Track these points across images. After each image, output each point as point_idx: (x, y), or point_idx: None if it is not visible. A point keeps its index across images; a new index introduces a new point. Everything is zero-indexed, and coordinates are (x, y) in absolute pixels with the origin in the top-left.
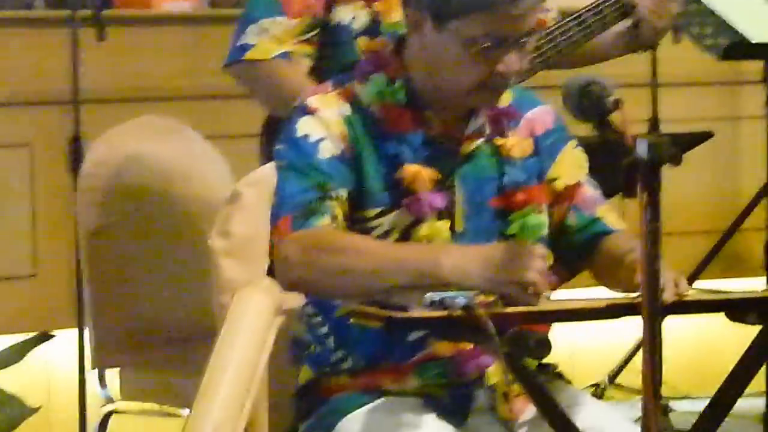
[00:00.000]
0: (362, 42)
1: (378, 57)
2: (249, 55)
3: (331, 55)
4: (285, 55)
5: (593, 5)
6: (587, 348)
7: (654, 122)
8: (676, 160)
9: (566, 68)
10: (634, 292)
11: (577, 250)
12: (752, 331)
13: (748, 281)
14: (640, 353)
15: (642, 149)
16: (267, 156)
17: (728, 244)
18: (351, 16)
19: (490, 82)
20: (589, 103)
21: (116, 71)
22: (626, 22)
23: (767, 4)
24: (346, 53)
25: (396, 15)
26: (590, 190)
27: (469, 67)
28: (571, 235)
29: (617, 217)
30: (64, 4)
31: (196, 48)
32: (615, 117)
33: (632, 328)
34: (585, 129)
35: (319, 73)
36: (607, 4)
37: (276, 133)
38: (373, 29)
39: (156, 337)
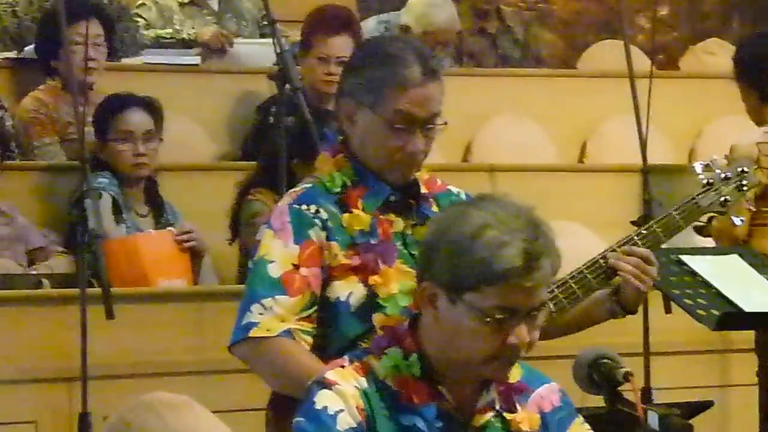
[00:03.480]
0: (378, 318)
1: (393, 332)
2: (254, 332)
3: (331, 330)
4: (288, 333)
5: (576, 271)
6: None
7: (647, 391)
8: (687, 431)
9: (556, 336)
10: None
11: None
12: None
13: None
14: None
15: (653, 421)
16: (273, 430)
17: None
18: (348, 292)
19: (503, 353)
20: (600, 377)
21: (123, 348)
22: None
23: (759, 276)
24: (345, 328)
25: (393, 287)
26: None
27: (483, 339)
28: None
29: None
30: (71, 284)
31: (200, 324)
32: (625, 389)
33: None
34: (595, 400)
35: (320, 348)
36: (589, 269)
37: (281, 408)
38: (369, 303)
39: None
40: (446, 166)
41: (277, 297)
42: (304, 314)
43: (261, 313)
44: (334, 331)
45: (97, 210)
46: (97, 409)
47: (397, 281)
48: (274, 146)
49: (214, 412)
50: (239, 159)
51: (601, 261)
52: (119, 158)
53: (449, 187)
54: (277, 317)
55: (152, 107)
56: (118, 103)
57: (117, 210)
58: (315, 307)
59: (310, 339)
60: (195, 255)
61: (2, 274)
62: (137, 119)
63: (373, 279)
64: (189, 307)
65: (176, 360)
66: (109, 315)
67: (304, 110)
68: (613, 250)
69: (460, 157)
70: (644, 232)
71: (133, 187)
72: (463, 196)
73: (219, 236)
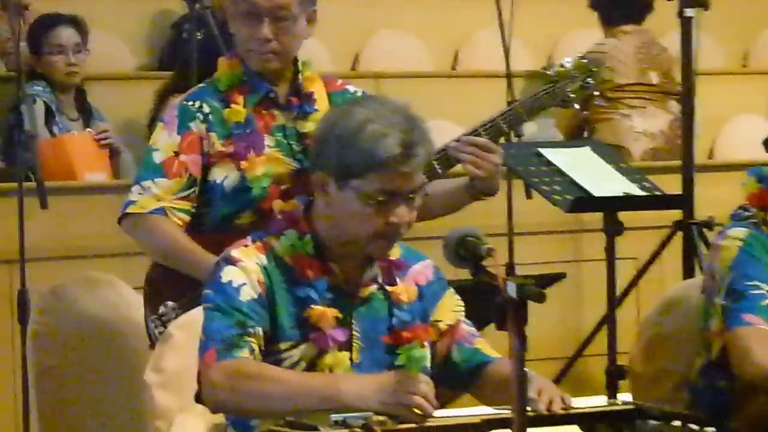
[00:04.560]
0: (277, 204)
1: (290, 215)
2: (130, 209)
3: (208, 209)
4: (161, 210)
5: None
6: None
7: (510, 267)
8: (541, 298)
9: (429, 219)
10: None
11: (463, 377)
12: None
13: (592, 399)
14: None
15: (511, 290)
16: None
17: (573, 367)
18: (224, 176)
19: (385, 232)
20: (466, 253)
21: (55, 233)
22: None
23: (607, 165)
24: (219, 207)
25: (258, 170)
26: (467, 327)
27: (367, 219)
28: (457, 366)
29: (491, 347)
30: (9, 179)
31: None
32: (488, 264)
33: None
34: (463, 273)
35: (198, 225)
36: (435, 158)
37: (155, 283)
38: (241, 185)
39: None
40: (337, 74)
41: (156, 180)
42: (182, 194)
43: (140, 193)
44: (211, 210)
45: (32, 114)
46: (33, 287)
47: (264, 166)
48: (187, 58)
49: (134, 288)
50: (157, 69)
51: (444, 151)
52: (54, 68)
53: (348, 86)
54: (153, 197)
55: (79, 24)
56: (50, 21)
57: (50, 114)
58: (193, 189)
59: (185, 216)
60: (113, 152)
61: None
62: (67, 34)
63: (243, 164)
64: (111, 198)
65: (101, 244)
66: (43, 205)
67: (212, 27)
68: (458, 141)
69: (349, 66)
70: (488, 124)
71: (64, 94)
72: (360, 94)
73: (140, 136)
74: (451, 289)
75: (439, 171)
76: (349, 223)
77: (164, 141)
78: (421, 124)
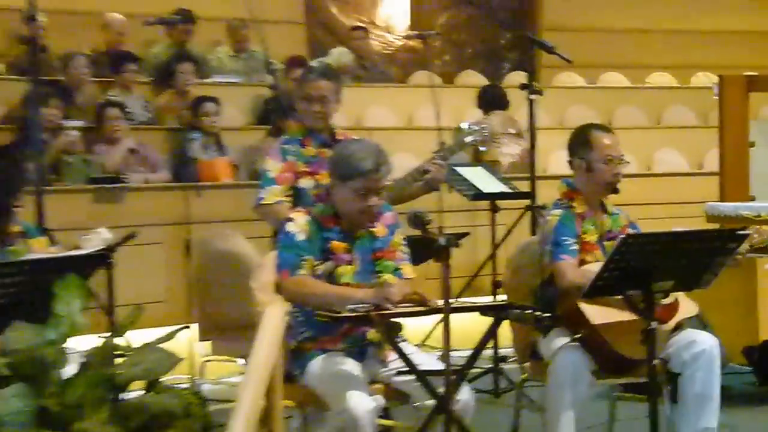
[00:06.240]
0: (312, 191)
1: (319, 196)
2: (262, 202)
3: (298, 201)
4: (280, 203)
5: (409, 172)
6: (418, 327)
7: (441, 228)
8: (456, 245)
9: (399, 203)
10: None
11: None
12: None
13: (485, 298)
14: (439, 328)
15: (442, 240)
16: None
17: (474, 281)
18: (310, 184)
19: (366, 209)
20: (417, 221)
21: (207, 208)
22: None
23: (491, 175)
24: (306, 201)
25: (324, 180)
26: (404, 255)
27: (355, 203)
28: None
29: (411, 270)
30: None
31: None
32: (429, 227)
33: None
34: (414, 232)
35: (294, 206)
36: (416, 170)
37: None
38: (318, 189)
39: (228, 324)
40: (345, 128)
41: (272, 186)
42: (286, 194)
43: (265, 194)
44: (299, 203)
45: (193, 148)
46: (194, 237)
47: (323, 176)
48: (275, 120)
49: (246, 238)
50: (255, 125)
51: (419, 167)
52: (204, 125)
53: (352, 136)
54: (273, 195)
55: (218, 102)
56: (202, 100)
57: (202, 148)
58: (291, 190)
59: (289, 204)
60: (236, 167)
61: None
62: (212, 108)
63: (317, 177)
64: (236, 191)
65: (229, 215)
66: (199, 194)
67: (285, 103)
68: (429, 161)
69: (353, 123)
70: (440, 153)
71: (208, 137)
72: (355, 138)
73: (250, 159)
74: (401, 229)
75: (416, 178)
76: (346, 204)
77: (273, 165)
78: (385, 154)
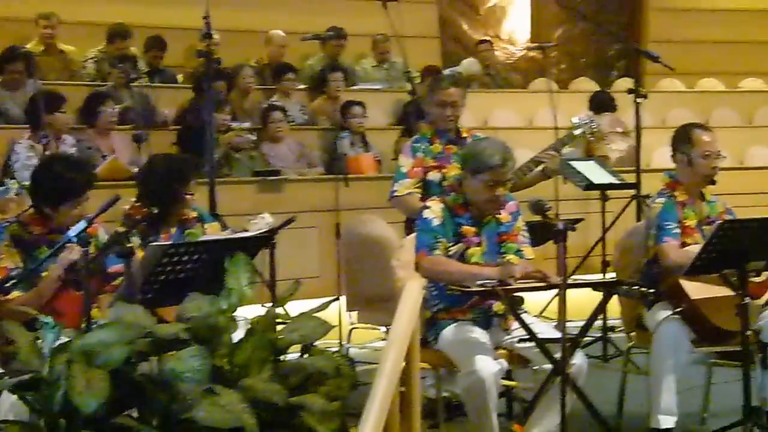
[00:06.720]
0: (446, 182)
1: (453, 187)
2: (396, 194)
3: (426, 192)
4: (410, 194)
5: (525, 163)
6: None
7: (558, 215)
8: (572, 230)
9: (516, 191)
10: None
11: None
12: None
13: (596, 275)
14: (555, 301)
15: (560, 225)
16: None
17: (586, 261)
18: (437, 177)
19: (494, 198)
20: (538, 208)
21: (351, 198)
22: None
23: (600, 168)
24: (433, 192)
25: (452, 172)
26: (525, 238)
27: (485, 192)
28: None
29: (531, 251)
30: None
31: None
32: (549, 214)
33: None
34: (536, 219)
35: (422, 198)
36: (532, 160)
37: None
38: (442, 180)
39: (372, 297)
40: (472, 127)
41: (405, 180)
42: (416, 186)
43: (398, 187)
44: (427, 194)
45: (342, 145)
46: (343, 222)
47: (454, 171)
48: (409, 121)
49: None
50: (393, 125)
51: (535, 157)
52: (352, 124)
53: (477, 133)
54: (405, 188)
55: (364, 106)
56: (350, 104)
57: (351, 145)
58: (420, 183)
59: (419, 195)
60: (379, 162)
61: None
62: (358, 110)
63: (443, 171)
64: (376, 183)
65: (370, 203)
66: (347, 185)
67: (420, 105)
68: (543, 152)
69: (480, 123)
70: (550, 147)
71: (356, 136)
72: (482, 136)
73: (389, 155)
74: (522, 215)
75: (532, 168)
76: (477, 193)
77: (406, 161)
78: (510, 151)
